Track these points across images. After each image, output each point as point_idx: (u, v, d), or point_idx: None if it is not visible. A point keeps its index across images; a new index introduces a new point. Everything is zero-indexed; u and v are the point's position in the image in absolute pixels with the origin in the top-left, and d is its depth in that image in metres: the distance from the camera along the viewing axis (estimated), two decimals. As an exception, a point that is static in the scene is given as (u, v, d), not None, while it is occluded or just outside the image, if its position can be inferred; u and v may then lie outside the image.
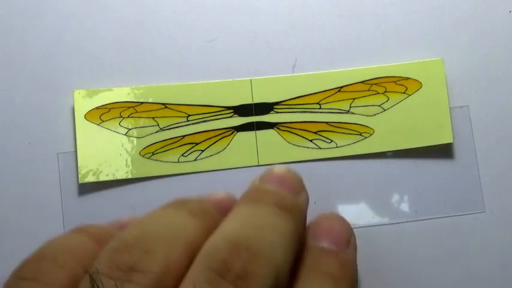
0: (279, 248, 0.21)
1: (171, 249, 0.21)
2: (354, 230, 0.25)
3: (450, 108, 0.28)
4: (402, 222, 0.28)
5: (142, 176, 0.28)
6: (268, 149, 0.29)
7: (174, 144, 0.29)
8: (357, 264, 0.25)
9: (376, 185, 0.28)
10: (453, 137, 0.28)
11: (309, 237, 0.25)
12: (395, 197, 0.28)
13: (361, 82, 0.29)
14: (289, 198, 0.23)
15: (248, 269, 0.19)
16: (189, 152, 0.29)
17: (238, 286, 0.19)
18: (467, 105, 0.28)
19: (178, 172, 0.28)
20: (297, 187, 0.24)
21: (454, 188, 0.28)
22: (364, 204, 0.28)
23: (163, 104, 0.29)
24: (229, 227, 0.22)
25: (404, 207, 0.28)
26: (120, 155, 0.28)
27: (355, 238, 0.25)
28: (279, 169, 0.25)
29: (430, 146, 0.28)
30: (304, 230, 0.24)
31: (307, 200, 0.25)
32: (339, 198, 0.28)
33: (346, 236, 0.25)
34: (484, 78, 0.28)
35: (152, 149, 0.29)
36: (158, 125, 0.29)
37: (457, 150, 0.28)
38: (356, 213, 0.28)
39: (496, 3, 0.29)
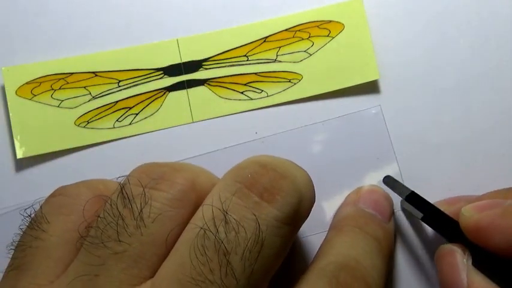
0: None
1: (198, 174, 0.21)
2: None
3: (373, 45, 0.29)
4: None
5: (80, 145, 0.29)
6: (200, 106, 0.29)
7: (107, 110, 0.29)
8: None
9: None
10: (379, 74, 0.28)
11: (356, 201, 0.26)
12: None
13: (285, 30, 0.29)
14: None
15: (275, 184, 0.20)
16: (123, 117, 0.29)
17: (264, 198, 0.19)
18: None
19: (115, 137, 0.29)
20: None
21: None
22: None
23: (93, 72, 0.29)
24: None
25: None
26: (56, 126, 0.29)
27: (394, 216, 0.27)
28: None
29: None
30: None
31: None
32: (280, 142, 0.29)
33: (390, 212, 0.26)
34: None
35: (87, 117, 0.29)
36: (90, 93, 0.29)
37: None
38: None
39: None
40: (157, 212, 0.19)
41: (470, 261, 0.22)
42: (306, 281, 0.21)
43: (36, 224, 0.21)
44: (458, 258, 0.22)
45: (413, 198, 0.25)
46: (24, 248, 0.20)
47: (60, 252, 0.20)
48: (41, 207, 0.22)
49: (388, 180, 0.26)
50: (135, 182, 0.20)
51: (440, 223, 0.24)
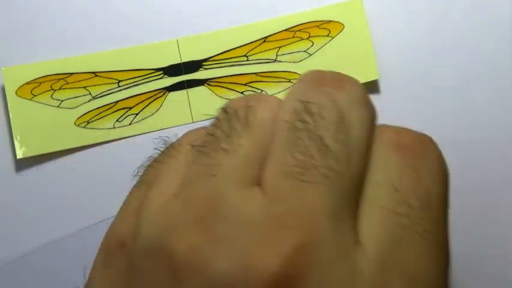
0: None
1: None
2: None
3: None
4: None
5: (80, 145, 0.29)
6: (200, 106, 0.29)
7: (108, 111, 0.29)
8: None
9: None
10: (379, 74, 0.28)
11: None
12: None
13: (285, 30, 0.29)
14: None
15: (339, 77, 0.19)
16: (123, 117, 0.29)
17: (335, 87, 0.19)
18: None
19: (115, 138, 0.29)
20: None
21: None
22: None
23: (93, 72, 0.29)
24: None
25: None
26: (56, 127, 0.29)
27: None
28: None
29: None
30: None
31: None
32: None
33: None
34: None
35: (87, 117, 0.29)
36: (90, 93, 0.29)
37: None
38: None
39: None
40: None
41: None
42: None
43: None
44: None
45: None
46: (153, 165, 0.20)
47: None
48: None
49: None
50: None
51: None
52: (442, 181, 0.17)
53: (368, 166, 0.17)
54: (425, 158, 0.17)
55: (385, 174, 0.17)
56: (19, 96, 0.29)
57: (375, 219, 0.16)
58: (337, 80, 0.19)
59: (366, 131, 0.18)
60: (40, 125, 0.28)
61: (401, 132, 0.18)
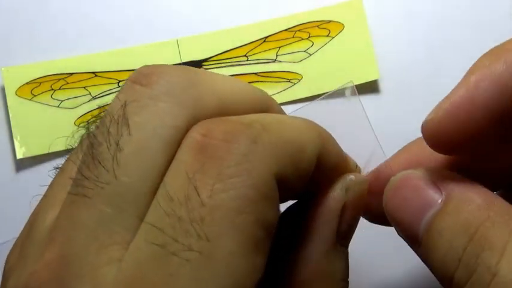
0: None
1: None
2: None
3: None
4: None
5: (80, 145, 0.29)
6: (200, 106, 0.29)
7: (107, 111, 0.29)
8: None
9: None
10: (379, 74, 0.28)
11: None
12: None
13: (285, 30, 0.29)
14: None
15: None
16: (123, 117, 0.29)
17: None
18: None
19: (115, 138, 0.29)
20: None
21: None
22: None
23: (93, 72, 0.29)
24: None
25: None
26: (56, 127, 0.29)
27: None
28: None
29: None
30: None
31: None
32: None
33: None
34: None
35: (87, 117, 0.29)
36: (90, 93, 0.29)
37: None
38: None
39: None
40: None
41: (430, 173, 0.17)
42: None
43: None
44: (417, 175, 0.18)
45: None
46: None
47: None
48: None
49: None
50: None
51: None
52: (237, 186, 0.14)
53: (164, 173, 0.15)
54: (221, 161, 0.14)
55: (168, 183, 0.14)
56: (19, 96, 0.29)
57: (141, 234, 0.14)
58: (148, 75, 0.17)
59: (156, 132, 0.15)
60: (40, 125, 0.28)
61: (209, 129, 0.15)
